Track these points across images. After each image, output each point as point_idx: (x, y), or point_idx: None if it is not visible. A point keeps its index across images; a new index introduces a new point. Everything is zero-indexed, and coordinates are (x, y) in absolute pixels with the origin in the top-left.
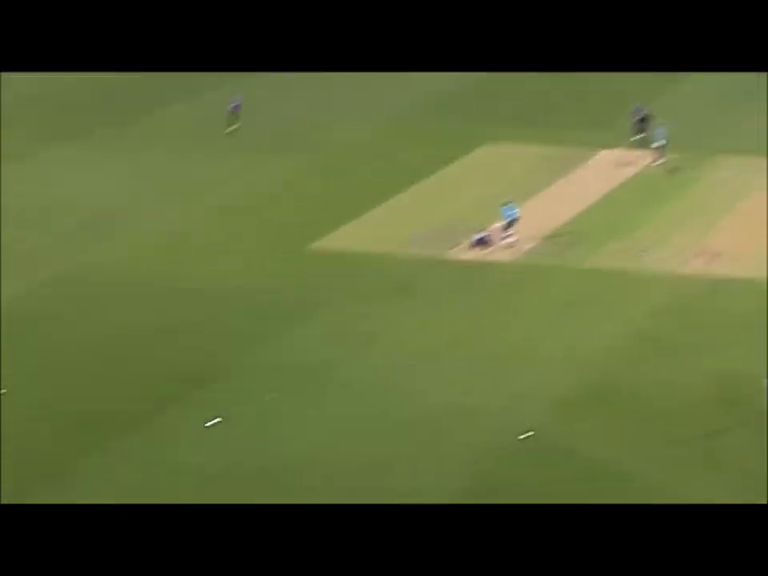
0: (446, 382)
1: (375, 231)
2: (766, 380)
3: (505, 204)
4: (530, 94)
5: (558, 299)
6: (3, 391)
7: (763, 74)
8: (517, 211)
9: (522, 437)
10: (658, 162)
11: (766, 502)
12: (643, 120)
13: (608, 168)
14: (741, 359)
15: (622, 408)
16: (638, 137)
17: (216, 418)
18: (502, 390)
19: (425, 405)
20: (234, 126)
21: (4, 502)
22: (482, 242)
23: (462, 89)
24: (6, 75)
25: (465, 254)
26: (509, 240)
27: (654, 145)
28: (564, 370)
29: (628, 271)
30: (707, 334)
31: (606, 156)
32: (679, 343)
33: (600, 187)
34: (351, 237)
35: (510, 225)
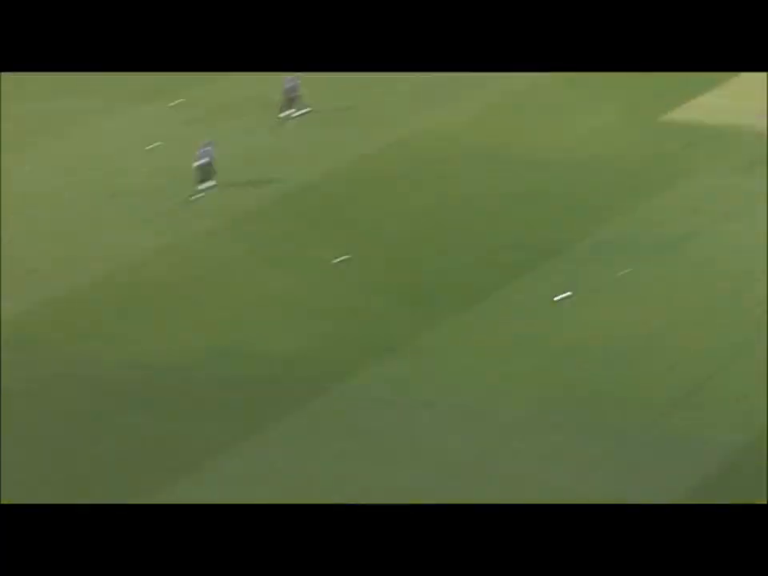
0: None
1: (732, 103)
2: None
3: None
4: None
5: None
6: (347, 257)
7: None
8: None
9: None
10: None
11: (765, 502)
12: None
13: None
14: None
15: None
16: None
17: (565, 292)
18: None
19: None
20: None
21: None
22: None
23: None
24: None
25: None
26: None
27: None
28: None
29: None
30: None
31: None
32: None
33: None
34: (706, 109)
35: None
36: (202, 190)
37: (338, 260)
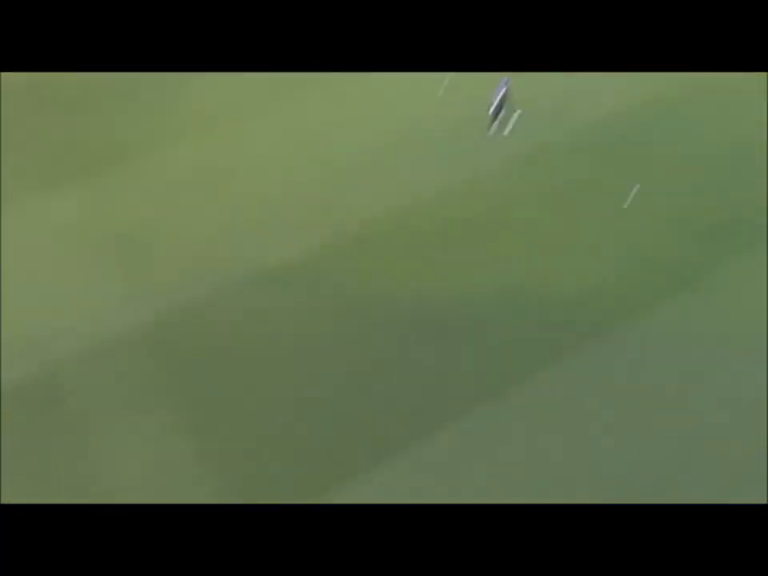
0: None
1: None
2: None
3: None
4: None
5: None
6: (636, 187)
7: None
8: None
9: None
10: None
11: (765, 502)
12: None
13: None
14: None
15: None
16: None
17: None
18: None
19: None
20: None
21: None
22: None
23: None
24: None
25: None
26: None
27: None
28: None
29: None
30: None
31: None
32: None
33: None
34: None
35: None
36: (499, 127)
37: (630, 197)
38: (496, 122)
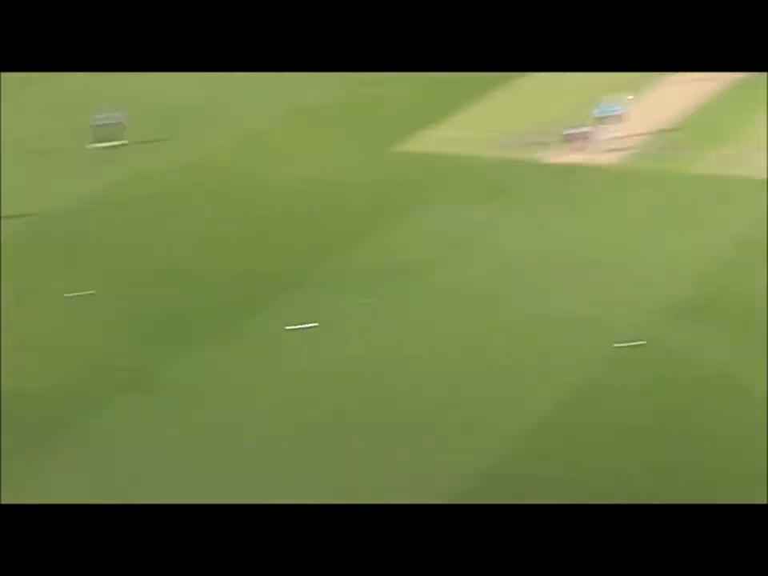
0: (542, 288)
1: (464, 134)
2: None
3: (606, 101)
4: None
5: (659, 206)
6: (92, 292)
7: None
8: (619, 107)
9: (622, 345)
10: None
11: (765, 502)
12: None
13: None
14: None
15: (728, 316)
16: None
17: (309, 321)
18: (601, 298)
19: (517, 311)
20: None
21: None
22: (577, 138)
23: None
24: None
25: (562, 156)
26: (610, 137)
27: None
28: (665, 280)
29: (733, 177)
30: None
31: None
32: None
33: (704, 90)
34: (438, 140)
35: (610, 121)
36: None
37: (76, 294)
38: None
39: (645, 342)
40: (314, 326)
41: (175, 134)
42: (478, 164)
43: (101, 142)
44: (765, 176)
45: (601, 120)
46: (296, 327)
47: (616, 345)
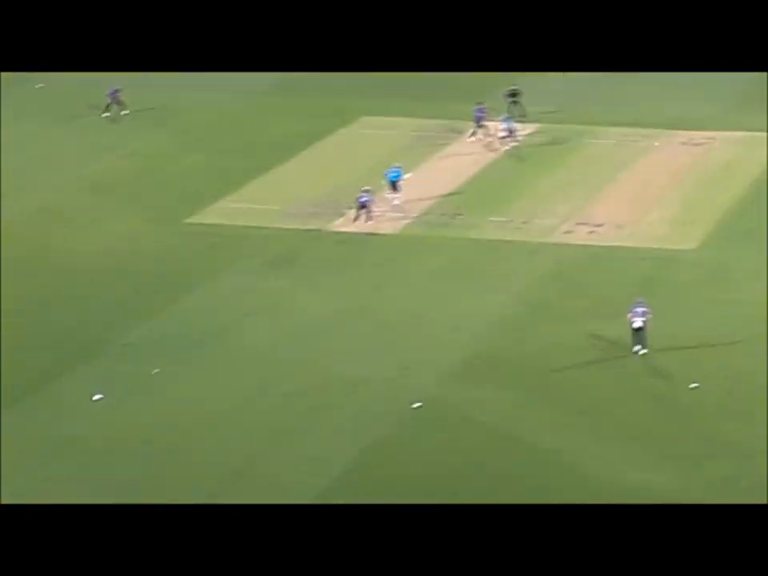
0: (332, 353)
1: (253, 205)
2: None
3: (390, 168)
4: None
5: (444, 270)
6: None
7: None
8: (401, 173)
9: (413, 406)
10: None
11: (765, 502)
12: (514, 95)
13: (489, 140)
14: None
15: (513, 374)
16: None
17: (99, 393)
18: (390, 361)
19: (312, 375)
20: (110, 113)
21: None
22: (364, 204)
23: None
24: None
25: (346, 225)
26: (395, 202)
27: (505, 124)
28: (453, 340)
29: (512, 241)
30: (592, 299)
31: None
32: (566, 309)
33: (480, 159)
34: (228, 211)
35: (394, 186)
36: None
37: None
38: None
39: (423, 404)
40: (101, 398)
41: None
42: (268, 234)
43: None
44: (541, 238)
45: (389, 185)
46: (95, 398)
47: (413, 406)
